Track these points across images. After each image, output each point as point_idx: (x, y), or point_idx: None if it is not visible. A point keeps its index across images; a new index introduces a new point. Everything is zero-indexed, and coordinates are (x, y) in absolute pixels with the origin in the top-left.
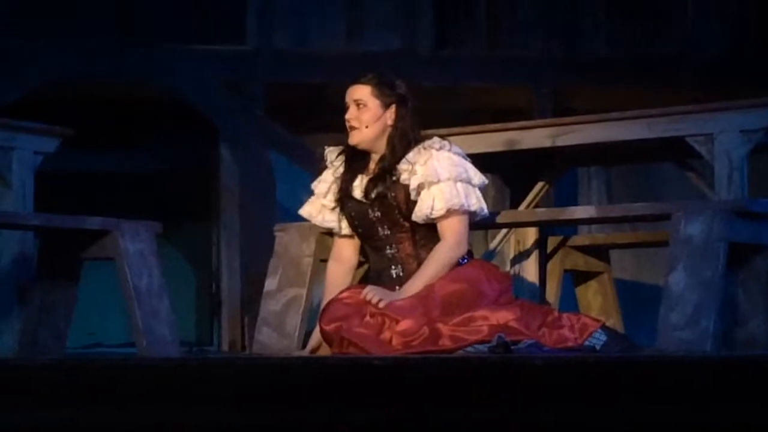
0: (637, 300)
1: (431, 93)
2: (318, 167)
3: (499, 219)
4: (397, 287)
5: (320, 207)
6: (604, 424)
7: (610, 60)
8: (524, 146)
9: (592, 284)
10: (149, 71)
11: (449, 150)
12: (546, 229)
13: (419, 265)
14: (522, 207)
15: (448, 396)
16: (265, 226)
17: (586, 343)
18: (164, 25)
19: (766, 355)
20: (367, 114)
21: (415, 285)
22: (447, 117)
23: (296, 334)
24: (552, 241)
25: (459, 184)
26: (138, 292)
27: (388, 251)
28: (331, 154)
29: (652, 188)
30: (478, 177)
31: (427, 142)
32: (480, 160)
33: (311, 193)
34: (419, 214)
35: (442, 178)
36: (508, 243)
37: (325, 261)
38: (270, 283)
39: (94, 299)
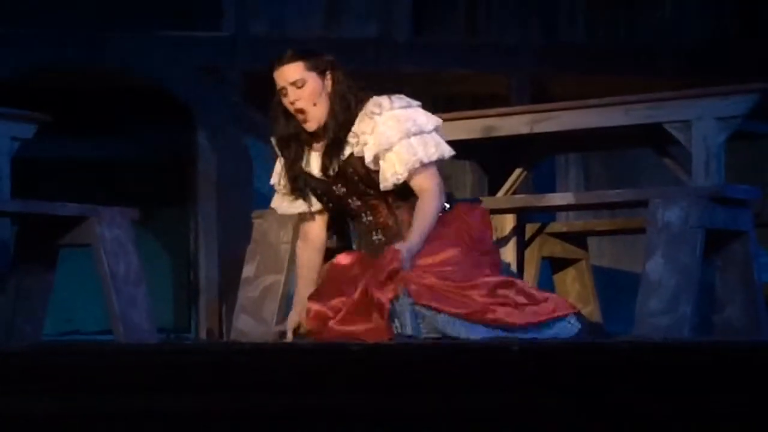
0: (615, 287)
1: (409, 80)
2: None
3: None
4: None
5: (281, 197)
6: (581, 411)
7: (588, 47)
8: (502, 133)
9: (570, 271)
10: (126, 58)
11: (390, 108)
12: (524, 215)
13: (399, 227)
14: (500, 194)
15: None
16: (243, 212)
17: (551, 328)
18: (141, 11)
19: (743, 340)
20: (308, 90)
21: (415, 237)
22: (425, 104)
23: (274, 320)
24: (530, 228)
25: (413, 139)
26: (115, 279)
27: (365, 219)
28: (275, 142)
29: (629, 175)
30: (430, 122)
31: (368, 107)
32: (458, 147)
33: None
34: (385, 183)
35: (394, 141)
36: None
37: None
38: (248, 270)
39: (71, 286)
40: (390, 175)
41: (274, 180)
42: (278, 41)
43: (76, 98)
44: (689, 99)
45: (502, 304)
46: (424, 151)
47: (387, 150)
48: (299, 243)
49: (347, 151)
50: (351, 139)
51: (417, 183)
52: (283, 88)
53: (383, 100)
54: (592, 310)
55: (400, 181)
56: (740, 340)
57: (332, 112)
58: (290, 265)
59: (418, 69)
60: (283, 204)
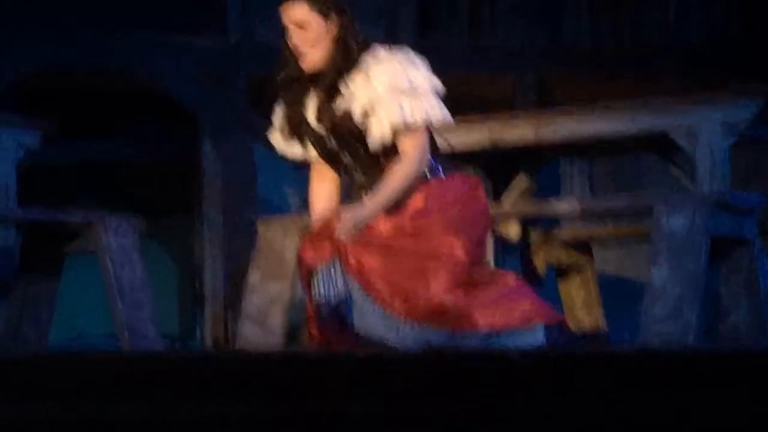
0: (620, 294)
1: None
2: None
3: None
4: None
5: (280, 137)
6: (584, 419)
7: (593, 50)
8: (506, 138)
9: (575, 278)
10: (131, 63)
11: (387, 60)
12: (528, 222)
13: None
14: (504, 199)
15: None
16: (248, 219)
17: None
18: (146, 16)
19: (748, 347)
20: (311, 32)
21: (375, 204)
22: None
23: (280, 328)
24: (534, 235)
25: (402, 98)
26: (120, 286)
27: (356, 177)
28: (280, 81)
29: (634, 181)
30: (428, 81)
31: (365, 58)
32: (461, 152)
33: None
34: (372, 142)
35: (382, 96)
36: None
37: None
38: (253, 277)
39: (76, 293)
40: (376, 132)
41: (274, 120)
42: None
43: (81, 103)
44: (694, 105)
45: (464, 303)
46: (411, 112)
47: (374, 104)
48: (312, 184)
49: (341, 104)
50: (344, 90)
51: (401, 144)
52: (286, 26)
53: (382, 51)
54: (597, 317)
55: (387, 141)
56: (746, 347)
57: (332, 59)
58: (295, 272)
59: None
60: (281, 144)
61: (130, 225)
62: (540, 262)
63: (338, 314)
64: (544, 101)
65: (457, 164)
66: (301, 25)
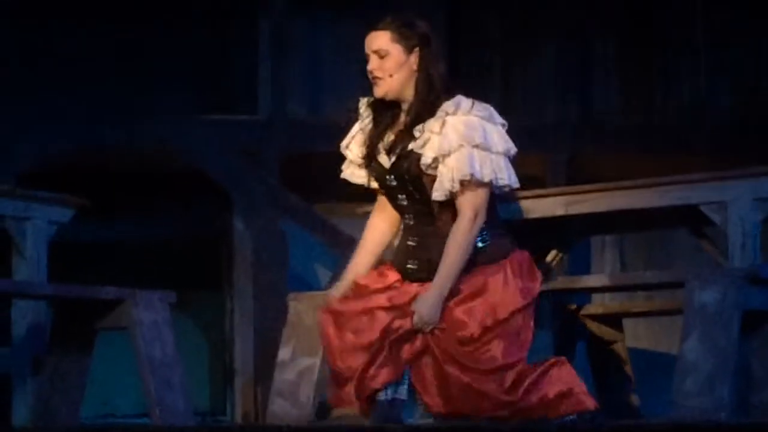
0: (652, 369)
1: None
2: (351, 122)
3: None
4: (411, 261)
5: (348, 161)
6: None
7: (623, 127)
8: (537, 214)
9: (607, 352)
10: (163, 140)
11: (467, 112)
12: (560, 297)
13: (437, 242)
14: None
15: None
16: (279, 295)
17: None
18: (179, 94)
19: None
20: (390, 62)
21: (441, 280)
22: None
23: (310, 404)
24: (566, 310)
25: (474, 151)
26: (152, 362)
27: (407, 220)
28: (363, 105)
29: (665, 256)
30: (502, 144)
31: (446, 104)
32: None
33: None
34: (437, 192)
35: (453, 147)
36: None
37: None
38: (283, 353)
39: (108, 368)
40: (444, 181)
41: (344, 142)
42: (314, 124)
43: (114, 181)
44: (724, 180)
45: (518, 402)
46: (480, 168)
47: (446, 155)
48: (373, 214)
49: (413, 146)
50: (417, 133)
51: (460, 200)
52: (368, 54)
53: (464, 101)
54: (628, 392)
55: (452, 192)
56: None
57: (417, 92)
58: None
59: None
60: (348, 170)
61: (160, 301)
62: (572, 336)
63: (395, 412)
64: (575, 178)
65: (511, 238)
66: (380, 54)
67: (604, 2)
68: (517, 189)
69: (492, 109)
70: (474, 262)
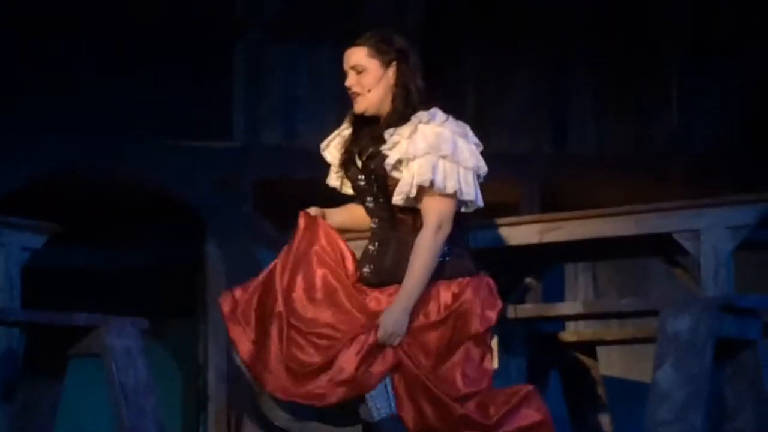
0: (625, 397)
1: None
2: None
3: None
4: (367, 265)
5: (330, 163)
6: None
7: (598, 156)
8: (511, 242)
9: (580, 380)
10: (138, 167)
11: (442, 124)
12: (533, 325)
13: (395, 249)
14: (509, 303)
15: None
16: None
17: None
18: (153, 121)
19: None
20: (367, 77)
21: (407, 293)
22: None
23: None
24: (539, 338)
25: (440, 161)
26: (124, 389)
27: (373, 224)
28: (348, 116)
29: (638, 283)
30: (472, 160)
31: (422, 113)
32: None
33: None
34: (398, 195)
35: (419, 153)
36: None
37: None
38: None
39: (80, 395)
40: (403, 185)
41: (323, 144)
42: (289, 151)
43: (86, 207)
44: (698, 209)
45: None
46: (443, 179)
47: (410, 159)
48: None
49: (381, 148)
50: (387, 135)
51: (425, 208)
52: (346, 70)
53: (440, 114)
54: (602, 420)
55: (410, 197)
56: None
57: (394, 106)
58: None
59: None
60: (331, 173)
61: (133, 327)
62: (546, 364)
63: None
64: (550, 207)
65: (473, 262)
66: (358, 70)
67: (579, 33)
68: (492, 216)
69: (468, 128)
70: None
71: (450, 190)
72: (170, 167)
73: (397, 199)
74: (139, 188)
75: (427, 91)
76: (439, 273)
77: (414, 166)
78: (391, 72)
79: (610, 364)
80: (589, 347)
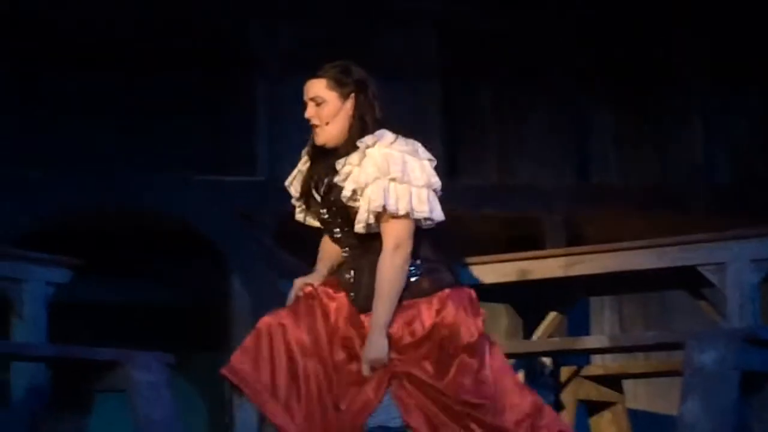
0: (651, 430)
1: (442, 221)
2: None
3: (513, 349)
4: (351, 293)
5: (294, 199)
6: None
7: (621, 188)
8: (536, 276)
9: (606, 414)
10: (161, 201)
11: (389, 145)
12: (559, 358)
13: (370, 274)
14: (535, 337)
15: None
16: None
17: None
18: (176, 155)
19: None
20: (325, 109)
21: (378, 318)
22: (458, 246)
23: None
24: (565, 371)
25: (390, 184)
26: (150, 425)
27: (344, 253)
28: (307, 148)
29: (664, 316)
30: (424, 177)
31: (368, 137)
32: (492, 290)
33: None
34: (358, 224)
35: (369, 179)
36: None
37: None
38: None
39: (106, 430)
40: (361, 214)
41: (287, 181)
42: None
43: (110, 242)
44: (723, 242)
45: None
46: (396, 202)
47: (362, 188)
48: (324, 237)
49: (336, 180)
50: (338, 166)
51: (383, 232)
52: (305, 102)
53: (387, 135)
54: None
55: (370, 225)
56: None
57: (349, 136)
58: None
59: (451, 210)
60: (296, 208)
61: (158, 362)
62: (571, 398)
63: None
64: (574, 240)
65: (451, 274)
66: (317, 102)
67: (599, 67)
68: (517, 250)
69: (419, 144)
70: (402, 296)
71: (402, 211)
72: (192, 202)
73: (359, 227)
74: (163, 223)
75: (387, 120)
76: (416, 291)
77: (366, 193)
78: (350, 104)
79: (636, 397)
80: (615, 380)
